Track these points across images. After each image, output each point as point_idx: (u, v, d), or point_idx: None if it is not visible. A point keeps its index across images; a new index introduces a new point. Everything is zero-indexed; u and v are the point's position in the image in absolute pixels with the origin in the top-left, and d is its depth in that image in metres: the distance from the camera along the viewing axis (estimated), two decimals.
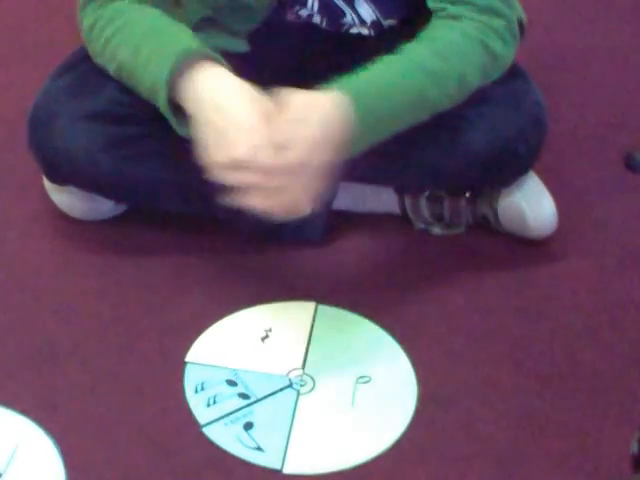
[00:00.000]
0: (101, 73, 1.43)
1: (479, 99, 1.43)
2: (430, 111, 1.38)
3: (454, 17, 1.40)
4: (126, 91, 1.41)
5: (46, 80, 1.49)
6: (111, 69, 1.41)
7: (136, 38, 1.36)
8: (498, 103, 1.45)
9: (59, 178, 1.50)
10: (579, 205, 1.65)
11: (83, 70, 1.46)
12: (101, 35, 1.40)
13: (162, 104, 1.33)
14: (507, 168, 1.48)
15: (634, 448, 1.07)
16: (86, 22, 1.42)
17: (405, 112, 1.36)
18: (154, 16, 1.39)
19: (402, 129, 1.37)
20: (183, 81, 1.31)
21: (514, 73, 1.47)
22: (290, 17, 1.48)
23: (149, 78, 1.34)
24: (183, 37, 1.35)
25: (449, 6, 1.40)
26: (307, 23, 1.49)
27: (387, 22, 1.48)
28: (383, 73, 1.34)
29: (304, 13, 1.48)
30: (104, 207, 1.55)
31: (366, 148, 1.33)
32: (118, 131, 1.44)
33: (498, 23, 1.40)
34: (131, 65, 1.37)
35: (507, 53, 1.42)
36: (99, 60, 1.43)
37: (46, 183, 1.55)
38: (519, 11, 1.44)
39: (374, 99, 1.32)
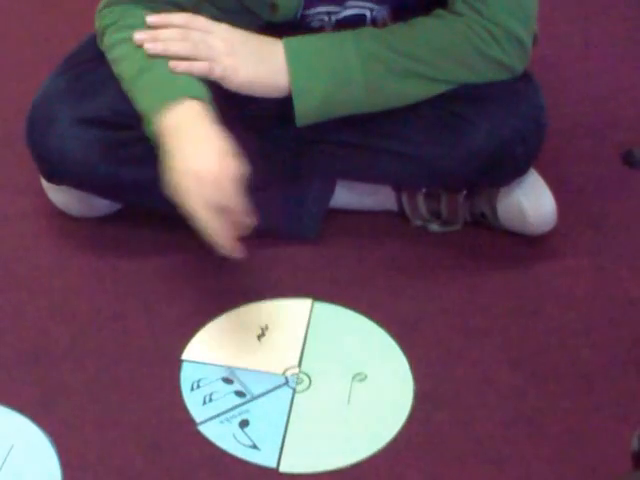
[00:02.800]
0: (101, 77, 1.44)
1: (478, 99, 1.44)
2: (378, 76, 1.41)
3: (455, 12, 1.42)
4: (126, 99, 1.41)
5: (46, 78, 1.48)
6: (114, 70, 1.43)
7: (141, 60, 1.39)
8: (498, 104, 1.44)
9: (55, 178, 1.50)
10: (577, 202, 1.64)
11: (84, 72, 1.47)
12: (111, 37, 1.43)
13: (150, 131, 1.38)
14: (504, 169, 1.48)
15: (634, 445, 1.06)
16: (104, 21, 1.44)
17: (344, 67, 1.40)
18: None
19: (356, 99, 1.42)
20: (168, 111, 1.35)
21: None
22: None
23: (143, 104, 1.38)
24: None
25: (457, 3, 1.41)
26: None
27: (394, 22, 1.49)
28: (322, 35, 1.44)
29: (316, 25, 1.48)
30: (100, 205, 1.55)
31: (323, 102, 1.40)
32: (115, 136, 1.43)
33: (497, 31, 1.40)
34: (131, 83, 1.40)
35: (509, 60, 1.43)
36: (107, 56, 1.44)
37: (43, 181, 1.55)
38: (533, 28, 1.45)
39: (302, 42, 1.40)
